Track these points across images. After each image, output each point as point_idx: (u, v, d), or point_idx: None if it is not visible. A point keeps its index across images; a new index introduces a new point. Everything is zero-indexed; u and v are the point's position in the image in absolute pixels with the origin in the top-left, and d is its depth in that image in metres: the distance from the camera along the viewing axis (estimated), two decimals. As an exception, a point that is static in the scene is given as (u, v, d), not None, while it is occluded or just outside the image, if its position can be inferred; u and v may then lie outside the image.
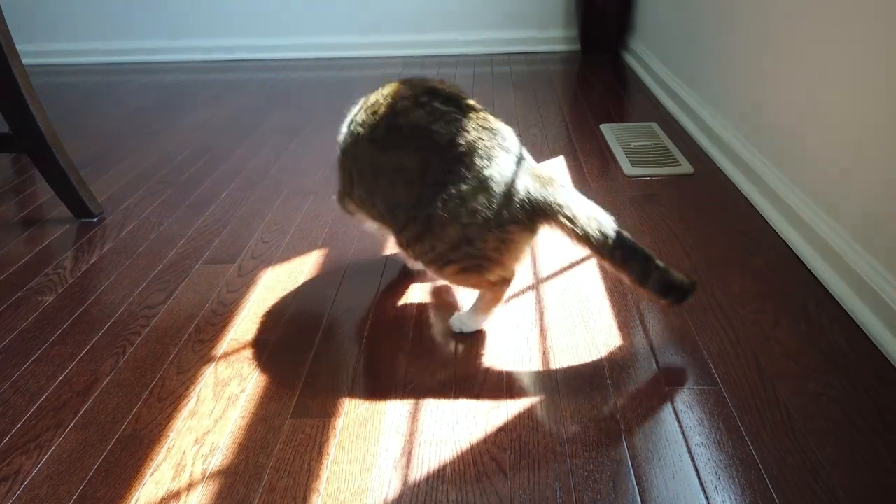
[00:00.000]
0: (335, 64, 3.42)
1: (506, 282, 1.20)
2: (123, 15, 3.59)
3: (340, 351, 1.20)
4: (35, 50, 3.62)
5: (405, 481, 0.93)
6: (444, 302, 1.33)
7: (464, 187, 1.07)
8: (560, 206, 1.08)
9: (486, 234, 1.08)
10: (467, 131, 1.09)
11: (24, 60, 1.63)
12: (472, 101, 1.15)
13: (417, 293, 1.37)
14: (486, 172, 1.07)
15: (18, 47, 1.61)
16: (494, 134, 1.11)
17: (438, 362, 1.16)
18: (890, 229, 1.15)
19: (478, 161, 1.08)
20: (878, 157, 1.18)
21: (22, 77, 1.60)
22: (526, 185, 1.08)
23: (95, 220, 1.75)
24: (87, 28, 3.64)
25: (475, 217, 1.07)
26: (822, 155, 1.38)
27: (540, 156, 2.05)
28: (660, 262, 1.09)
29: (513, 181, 1.08)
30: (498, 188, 1.07)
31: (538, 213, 1.08)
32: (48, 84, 3.26)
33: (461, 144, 1.08)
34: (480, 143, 1.09)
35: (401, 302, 1.35)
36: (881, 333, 1.14)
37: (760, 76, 1.69)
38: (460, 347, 1.20)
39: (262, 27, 3.57)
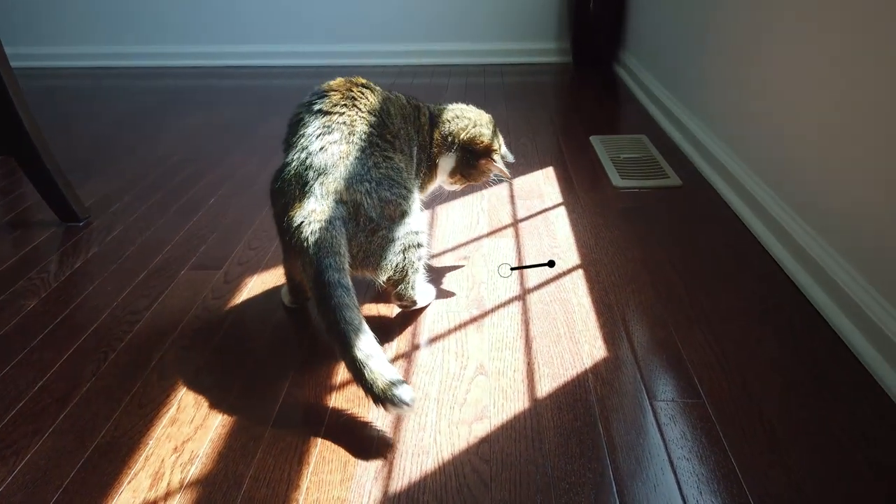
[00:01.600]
0: (329, 72, 3.40)
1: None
2: (114, 19, 3.59)
3: (324, 360, 1.19)
4: (25, 53, 3.61)
5: (385, 492, 0.92)
6: (430, 310, 1.33)
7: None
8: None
9: None
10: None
11: (13, 63, 1.62)
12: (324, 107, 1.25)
13: (404, 302, 1.36)
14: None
15: (7, 50, 1.61)
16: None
17: (422, 371, 1.16)
18: (875, 244, 1.16)
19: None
20: (866, 172, 1.19)
21: (10, 79, 1.59)
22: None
23: (81, 224, 1.74)
24: (77, 32, 3.64)
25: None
26: (810, 170, 1.39)
27: (530, 166, 2.06)
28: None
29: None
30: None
31: None
32: (37, 87, 3.25)
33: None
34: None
35: (385, 311, 1.34)
36: (864, 347, 1.14)
37: (749, 90, 1.70)
38: (444, 356, 1.19)
39: (256, 34, 3.58)
